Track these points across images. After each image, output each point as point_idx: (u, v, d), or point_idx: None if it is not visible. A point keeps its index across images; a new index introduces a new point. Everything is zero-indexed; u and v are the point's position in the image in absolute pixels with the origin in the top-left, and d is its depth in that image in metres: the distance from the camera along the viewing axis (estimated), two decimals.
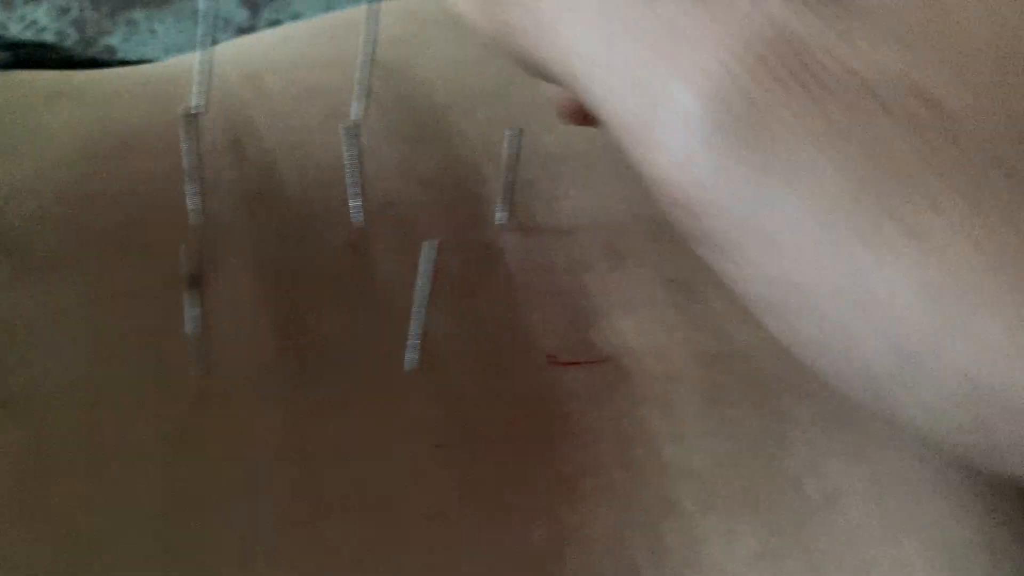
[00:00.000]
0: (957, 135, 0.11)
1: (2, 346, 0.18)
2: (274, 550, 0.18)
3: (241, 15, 0.82)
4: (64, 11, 0.82)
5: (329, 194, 0.23)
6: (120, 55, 0.80)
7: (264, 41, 0.30)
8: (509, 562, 0.18)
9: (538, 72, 0.16)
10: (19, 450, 0.17)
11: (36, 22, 0.82)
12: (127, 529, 0.17)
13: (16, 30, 0.81)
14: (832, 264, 0.12)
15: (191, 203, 0.21)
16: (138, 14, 0.82)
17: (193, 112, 0.23)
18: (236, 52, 0.28)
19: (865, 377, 0.12)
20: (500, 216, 0.23)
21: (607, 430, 0.20)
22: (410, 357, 0.20)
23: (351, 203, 0.22)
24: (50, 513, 0.17)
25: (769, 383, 0.20)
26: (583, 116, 0.19)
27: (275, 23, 0.82)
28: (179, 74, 0.27)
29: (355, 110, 0.24)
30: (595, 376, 0.21)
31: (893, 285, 0.11)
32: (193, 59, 0.32)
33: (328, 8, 0.82)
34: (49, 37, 0.80)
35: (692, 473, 0.20)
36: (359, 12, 0.35)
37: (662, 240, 0.23)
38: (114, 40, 0.81)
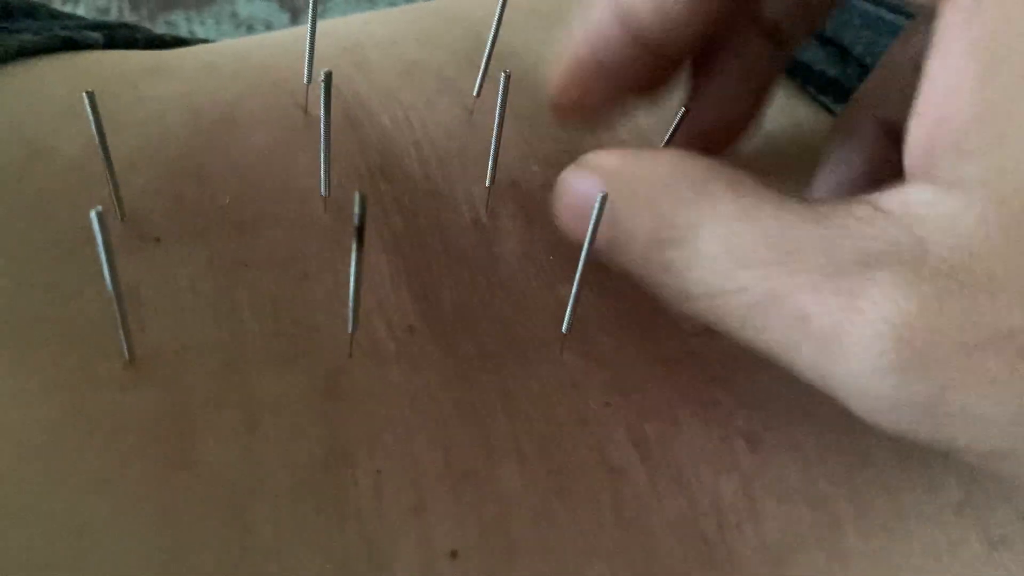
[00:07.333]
0: None
1: (132, 309, 0.18)
2: (448, 498, 0.17)
3: (282, 19, 0.82)
4: (103, 11, 0.82)
5: (448, 172, 0.22)
6: None
7: (356, 19, 0.29)
8: (700, 516, 0.18)
9: None
10: (157, 408, 0.17)
11: None
12: (283, 480, 0.17)
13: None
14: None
15: (323, 175, 0.20)
16: (178, 16, 0.82)
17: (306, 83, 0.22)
18: (331, 27, 0.27)
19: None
20: None
21: (778, 391, 0.20)
22: (568, 321, 0.19)
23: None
24: (198, 467, 0.16)
25: None
26: (579, 114, 0.22)
27: None
28: (272, 48, 0.26)
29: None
30: None
31: None
32: (283, 34, 0.31)
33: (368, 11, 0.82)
34: None
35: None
36: (445, 2, 0.35)
37: None
38: None
